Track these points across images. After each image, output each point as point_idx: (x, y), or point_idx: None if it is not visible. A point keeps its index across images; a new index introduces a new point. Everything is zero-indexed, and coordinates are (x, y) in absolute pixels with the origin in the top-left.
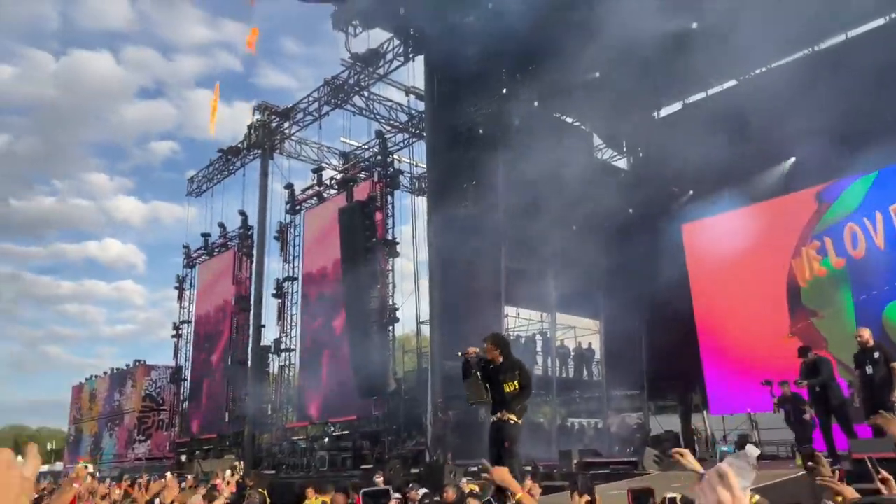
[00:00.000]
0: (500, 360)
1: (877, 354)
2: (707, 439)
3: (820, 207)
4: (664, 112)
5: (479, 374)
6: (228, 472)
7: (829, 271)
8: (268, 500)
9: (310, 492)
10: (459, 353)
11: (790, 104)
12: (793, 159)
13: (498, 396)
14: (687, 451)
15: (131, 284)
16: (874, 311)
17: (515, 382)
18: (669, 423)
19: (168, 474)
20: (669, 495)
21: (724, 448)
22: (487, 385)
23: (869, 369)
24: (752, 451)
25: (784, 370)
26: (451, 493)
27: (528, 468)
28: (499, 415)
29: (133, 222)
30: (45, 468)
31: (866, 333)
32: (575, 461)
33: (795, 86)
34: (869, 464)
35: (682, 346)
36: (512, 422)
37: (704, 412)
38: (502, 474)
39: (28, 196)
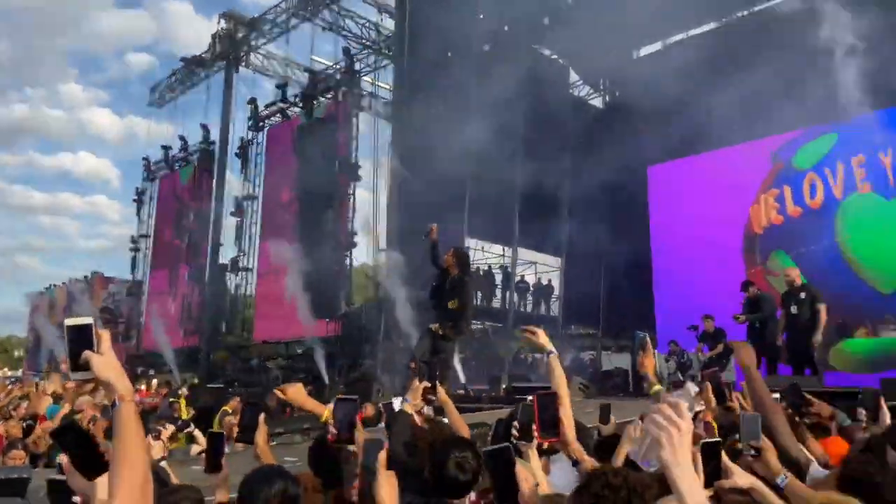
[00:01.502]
0: (455, 273)
1: (803, 295)
2: (657, 375)
3: (776, 165)
4: (644, 51)
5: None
6: (155, 381)
7: (785, 219)
8: (184, 412)
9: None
10: (424, 236)
11: (770, 50)
12: (763, 105)
13: (441, 307)
14: (540, 330)
15: (105, 200)
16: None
17: (456, 300)
18: (624, 361)
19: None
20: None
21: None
22: (435, 291)
23: (794, 309)
24: (692, 387)
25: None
26: (369, 410)
27: (461, 391)
28: (437, 326)
29: (107, 136)
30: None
31: (794, 273)
32: (503, 386)
33: (777, 31)
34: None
35: (640, 288)
36: (449, 338)
37: (654, 352)
38: (296, 394)
39: None
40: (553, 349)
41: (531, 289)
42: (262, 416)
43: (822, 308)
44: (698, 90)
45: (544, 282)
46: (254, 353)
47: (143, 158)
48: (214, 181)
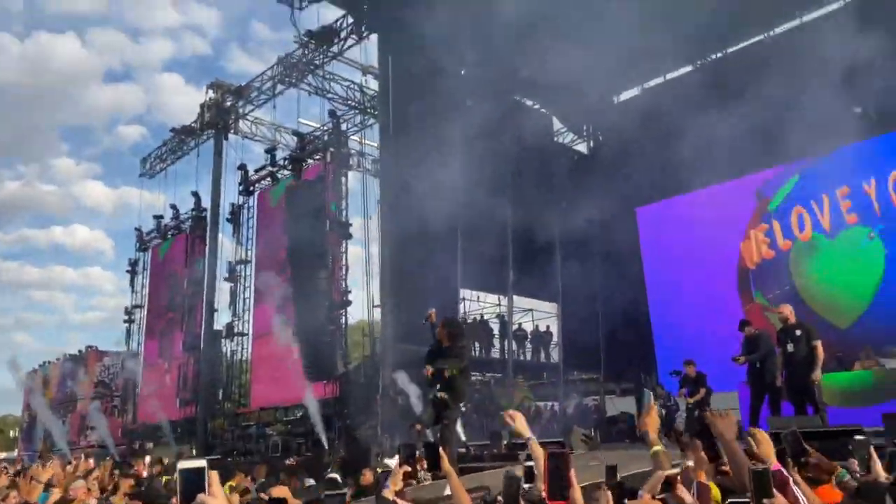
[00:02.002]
0: (446, 343)
1: (798, 332)
2: (662, 417)
3: (761, 201)
4: (624, 96)
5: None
6: (148, 459)
7: (776, 254)
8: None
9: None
10: (424, 321)
11: (748, 88)
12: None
13: (440, 374)
14: (518, 415)
15: (99, 271)
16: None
17: (455, 370)
18: (628, 405)
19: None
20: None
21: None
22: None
23: (790, 347)
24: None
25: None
26: (368, 476)
27: (462, 449)
28: (439, 394)
29: (101, 208)
30: (3, 455)
31: (787, 310)
32: (504, 442)
33: (752, 71)
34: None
35: (638, 330)
36: (452, 405)
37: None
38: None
39: None
40: (531, 435)
41: (529, 336)
42: None
43: (819, 344)
44: (679, 131)
45: (542, 328)
46: (252, 419)
47: (136, 228)
48: (207, 247)
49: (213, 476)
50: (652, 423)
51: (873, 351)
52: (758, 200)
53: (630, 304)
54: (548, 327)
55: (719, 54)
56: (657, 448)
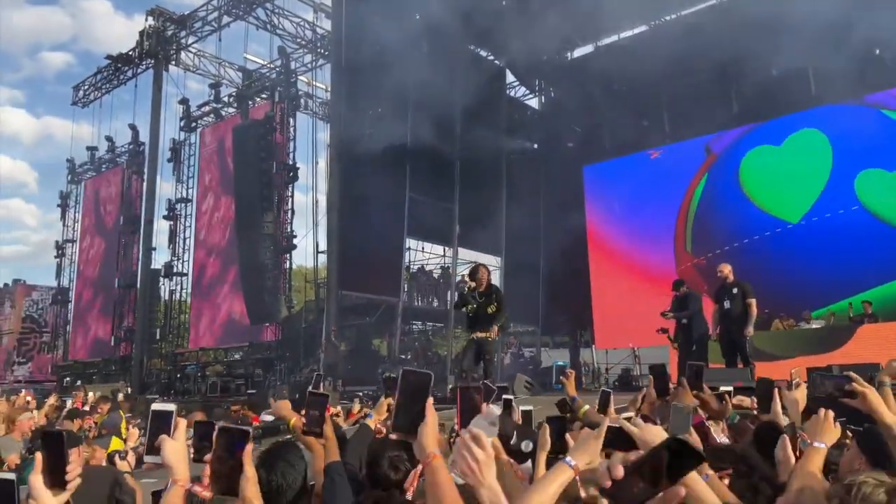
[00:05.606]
0: (484, 285)
1: (735, 290)
2: (594, 371)
3: (709, 157)
4: (577, 53)
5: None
6: (91, 395)
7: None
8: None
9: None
10: (468, 278)
11: (695, 54)
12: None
13: (481, 316)
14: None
15: (21, 203)
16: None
17: (493, 304)
18: (563, 357)
19: None
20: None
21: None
22: (475, 306)
23: (727, 304)
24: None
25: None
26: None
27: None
28: (480, 332)
29: (23, 137)
30: None
31: (726, 269)
32: (450, 387)
33: (702, 34)
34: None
35: (577, 285)
36: (491, 338)
37: (592, 347)
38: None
39: None
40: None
41: None
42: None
43: (753, 302)
44: (632, 91)
45: None
46: (190, 360)
47: (68, 160)
48: (145, 184)
49: (181, 422)
50: (572, 387)
51: (787, 315)
52: (707, 154)
53: (571, 260)
54: None
55: (673, 15)
56: (586, 408)
